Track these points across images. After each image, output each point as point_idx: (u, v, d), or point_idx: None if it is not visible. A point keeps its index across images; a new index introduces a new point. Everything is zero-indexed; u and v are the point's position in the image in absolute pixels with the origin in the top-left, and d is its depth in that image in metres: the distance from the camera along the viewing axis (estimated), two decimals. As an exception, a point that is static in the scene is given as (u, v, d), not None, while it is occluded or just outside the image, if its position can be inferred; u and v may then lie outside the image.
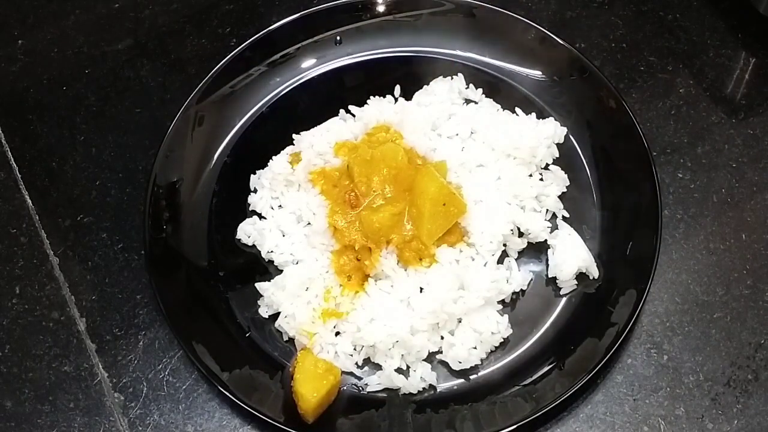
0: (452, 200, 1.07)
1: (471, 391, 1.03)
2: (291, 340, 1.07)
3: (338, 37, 1.26)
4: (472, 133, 1.16)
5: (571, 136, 1.18)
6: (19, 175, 1.23)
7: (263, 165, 1.17)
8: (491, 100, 1.21)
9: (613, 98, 1.17)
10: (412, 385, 1.03)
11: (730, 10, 1.32)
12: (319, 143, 1.16)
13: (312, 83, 1.25)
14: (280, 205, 1.14)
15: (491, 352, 1.05)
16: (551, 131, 1.16)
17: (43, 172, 1.23)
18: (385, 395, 1.04)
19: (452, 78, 1.22)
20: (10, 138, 1.26)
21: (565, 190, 1.15)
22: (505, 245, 1.10)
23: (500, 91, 1.22)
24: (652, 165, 1.11)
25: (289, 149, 1.18)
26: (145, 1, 1.37)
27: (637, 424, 1.03)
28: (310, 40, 1.26)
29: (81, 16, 1.37)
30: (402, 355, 1.04)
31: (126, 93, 1.29)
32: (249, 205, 1.16)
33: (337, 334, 1.06)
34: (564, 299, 1.09)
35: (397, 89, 1.22)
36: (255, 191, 1.16)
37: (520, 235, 1.11)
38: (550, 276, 1.10)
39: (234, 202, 1.16)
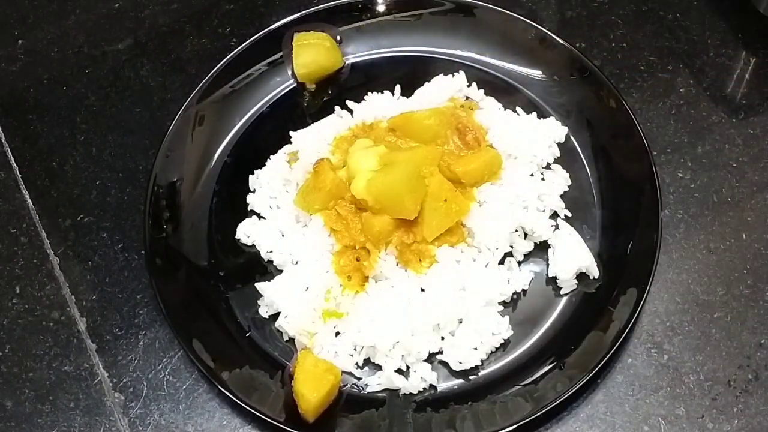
0: (454, 197, 1.06)
1: (471, 390, 1.03)
2: (291, 340, 1.07)
3: (338, 37, 1.26)
4: (472, 132, 1.16)
5: (571, 136, 1.18)
6: (19, 175, 1.23)
7: (263, 165, 1.17)
8: (493, 98, 1.21)
9: (613, 98, 1.17)
10: (412, 385, 1.03)
11: (730, 10, 1.32)
12: (317, 141, 1.16)
13: (312, 83, 1.25)
14: (278, 206, 1.14)
15: (492, 352, 1.05)
16: (552, 130, 1.16)
17: (43, 172, 1.23)
18: (385, 395, 1.04)
19: (453, 75, 1.22)
20: (10, 138, 1.26)
21: (567, 189, 1.15)
22: (511, 246, 1.10)
23: (500, 91, 1.22)
24: (652, 165, 1.11)
25: (286, 148, 1.18)
26: (145, 1, 1.37)
27: (637, 423, 1.03)
28: (310, 40, 1.26)
29: (81, 16, 1.36)
30: (402, 355, 1.04)
31: (126, 93, 1.29)
32: (249, 204, 1.16)
33: (337, 334, 1.06)
34: (564, 299, 1.08)
35: (397, 89, 1.21)
36: (254, 191, 1.16)
37: (525, 236, 1.11)
38: (550, 276, 1.10)
39: (234, 202, 1.16)
